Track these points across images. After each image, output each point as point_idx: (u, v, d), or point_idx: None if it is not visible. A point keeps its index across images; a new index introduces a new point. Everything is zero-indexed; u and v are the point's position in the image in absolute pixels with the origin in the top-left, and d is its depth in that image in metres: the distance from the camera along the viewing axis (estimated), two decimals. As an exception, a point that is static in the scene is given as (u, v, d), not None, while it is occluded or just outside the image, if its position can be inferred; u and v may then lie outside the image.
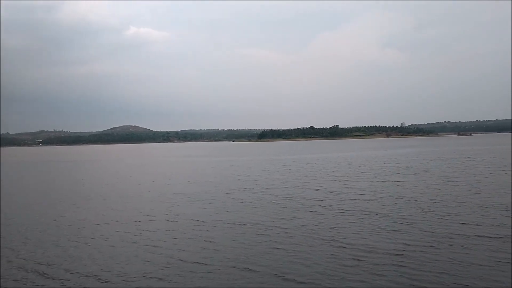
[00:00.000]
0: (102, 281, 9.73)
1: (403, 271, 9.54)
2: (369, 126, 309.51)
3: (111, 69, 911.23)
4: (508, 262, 9.87)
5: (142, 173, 43.01)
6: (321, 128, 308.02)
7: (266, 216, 16.66)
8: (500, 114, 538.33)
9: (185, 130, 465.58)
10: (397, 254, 10.80)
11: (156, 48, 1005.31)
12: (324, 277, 9.45)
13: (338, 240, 12.49)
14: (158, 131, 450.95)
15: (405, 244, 11.73)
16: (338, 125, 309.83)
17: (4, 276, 10.26)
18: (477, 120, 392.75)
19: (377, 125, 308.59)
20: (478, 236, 12.32)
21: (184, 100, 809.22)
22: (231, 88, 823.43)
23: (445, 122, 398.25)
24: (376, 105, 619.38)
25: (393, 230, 13.37)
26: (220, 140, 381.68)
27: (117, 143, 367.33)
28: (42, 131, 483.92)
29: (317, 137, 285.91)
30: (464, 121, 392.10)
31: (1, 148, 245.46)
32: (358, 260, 10.51)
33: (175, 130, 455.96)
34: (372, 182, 27.18)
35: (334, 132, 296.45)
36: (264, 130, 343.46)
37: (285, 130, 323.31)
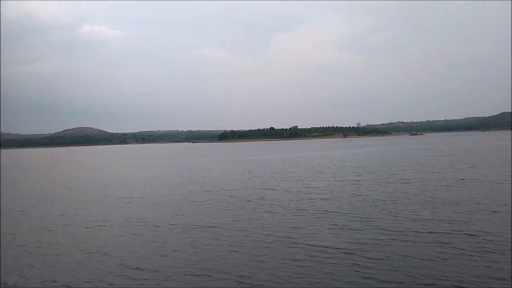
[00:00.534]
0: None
1: (358, 269, 9.70)
2: (327, 126, 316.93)
3: (64, 68, 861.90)
4: (455, 258, 10.37)
5: (95, 177, 41.09)
6: (281, 129, 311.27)
7: (224, 218, 16.41)
8: (449, 114, 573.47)
9: (142, 131, 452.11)
10: (352, 253, 10.98)
11: (112, 47, 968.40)
12: (281, 278, 9.38)
13: (296, 240, 12.51)
14: (115, 133, 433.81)
15: (361, 242, 11.97)
16: (297, 126, 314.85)
17: None
18: (427, 120, 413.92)
19: (335, 126, 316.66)
20: (429, 232, 12.83)
21: (142, 100, 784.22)
22: (189, 89, 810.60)
23: (398, 122, 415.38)
24: (334, 106, 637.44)
25: (350, 229, 13.62)
26: (179, 141, 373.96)
27: (70, 146, 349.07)
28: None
29: (277, 137, 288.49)
30: (416, 121, 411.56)
31: None
32: (316, 259, 10.56)
33: (132, 131, 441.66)
34: (328, 181, 27.74)
35: (294, 133, 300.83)
36: (225, 131, 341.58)
37: (245, 131, 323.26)
